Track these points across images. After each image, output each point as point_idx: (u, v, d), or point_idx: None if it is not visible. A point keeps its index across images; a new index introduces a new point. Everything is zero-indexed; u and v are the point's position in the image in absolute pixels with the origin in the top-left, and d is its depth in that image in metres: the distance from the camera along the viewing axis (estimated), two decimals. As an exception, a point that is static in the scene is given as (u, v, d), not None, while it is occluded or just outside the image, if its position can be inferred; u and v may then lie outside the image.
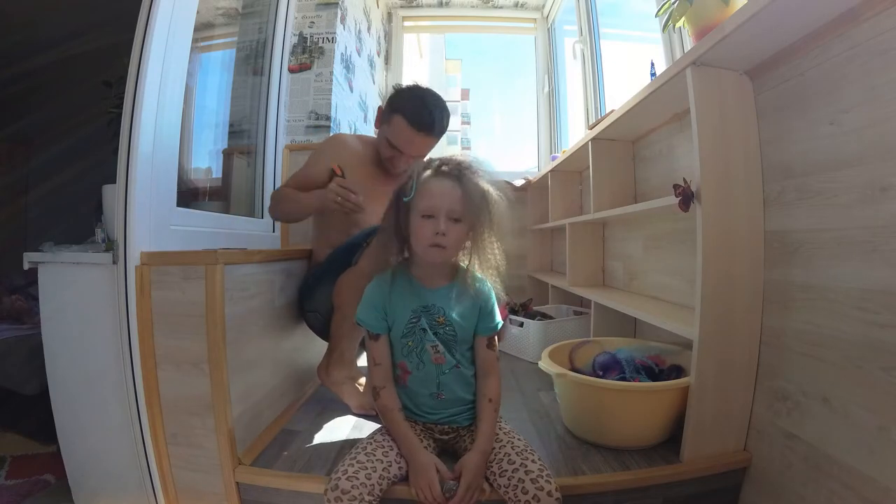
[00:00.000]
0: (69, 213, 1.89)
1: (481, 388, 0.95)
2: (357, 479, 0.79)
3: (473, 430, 0.94)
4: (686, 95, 0.98)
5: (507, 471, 0.83)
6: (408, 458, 0.88)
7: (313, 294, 1.33)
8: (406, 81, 1.56)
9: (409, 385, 0.96)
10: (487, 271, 0.93)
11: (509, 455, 0.86)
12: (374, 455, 0.86)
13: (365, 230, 1.23)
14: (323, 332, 1.37)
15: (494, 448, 0.89)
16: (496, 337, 0.98)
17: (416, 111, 1.28)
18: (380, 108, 1.40)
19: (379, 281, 0.95)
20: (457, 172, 0.89)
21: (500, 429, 0.94)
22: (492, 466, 0.86)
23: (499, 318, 0.97)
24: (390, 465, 0.86)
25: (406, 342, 0.94)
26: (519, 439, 0.91)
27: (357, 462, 0.83)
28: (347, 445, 1.10)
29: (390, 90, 1.38)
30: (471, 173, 0.89)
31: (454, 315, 0.93)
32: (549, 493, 0.77)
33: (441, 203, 0.87)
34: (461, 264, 0.95)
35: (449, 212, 0.87)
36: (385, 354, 0.95)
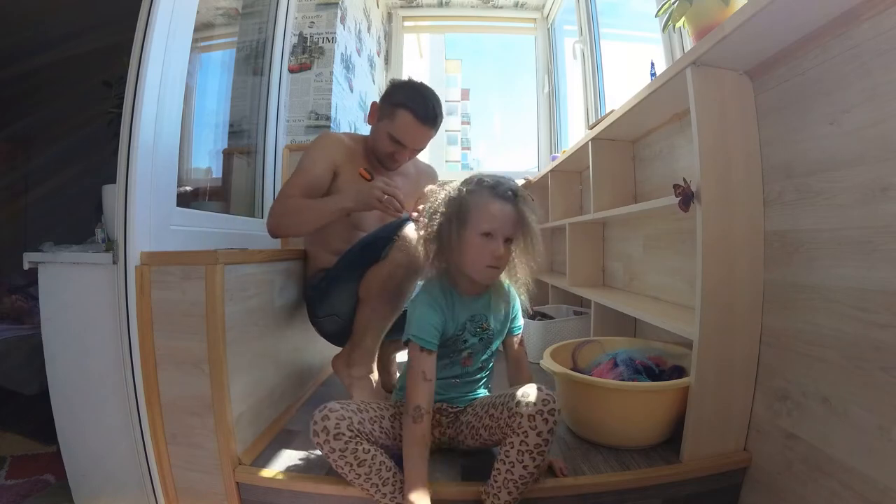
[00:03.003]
0: (69, 213, 1.89)
1: (521, 378, 1.04)
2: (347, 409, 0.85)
3: (469, 410, 0.99)
4: (686, 95, 0.98)
5: (495, 404, 0.89)
6: (408, 483, 0.83)
7: (329, 297, 1.30)
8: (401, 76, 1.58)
9: None
10: (518, 285, 1.00)
11: (493, 399, 0.92)
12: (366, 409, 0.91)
13: (392, 224, 1.21)
14: (340, 335, 1.34)
15: (479, 413, 0.94)
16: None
17: (422, 105, 1.30)
18: (374, 103, 1.38)
19: (431, 299, 0.95)
20: (514, 196, 0.93)
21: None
22: (483, 419, 0.91)
23: (521, 320, 1.09)
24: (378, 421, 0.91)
25: (445, 350, 0.98)
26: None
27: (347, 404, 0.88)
28: (347, 445, 1.10)
29: (387, 85, 1.39)
30: (524, 195, 0.95)
31: (493, 321, 1.01)
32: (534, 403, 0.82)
33: (502, 225, 0.91)
34: None
35: (507, 234, 0.92)
36: (434, 370, 0.91)
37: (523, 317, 1.10)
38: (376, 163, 1.40)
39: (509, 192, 0.93)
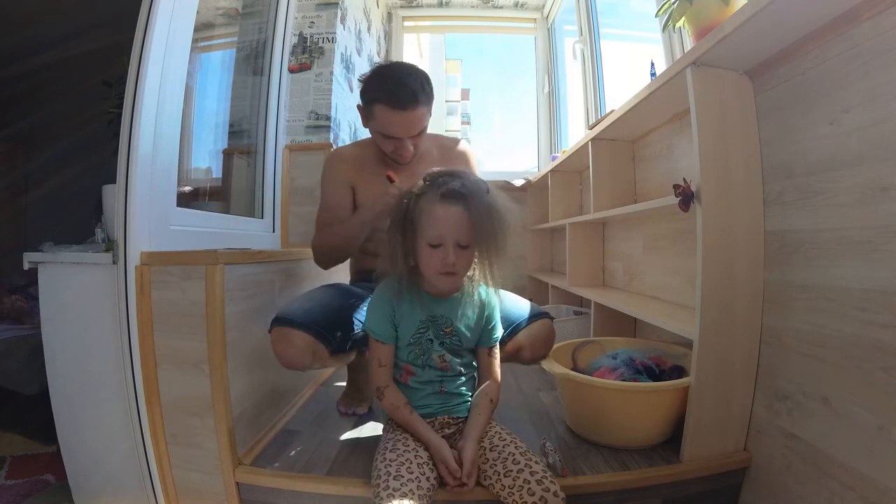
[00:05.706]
0: (69, 213, 1.88)
1: (483, 389, 0.97)
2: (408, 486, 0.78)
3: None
4: (686, 95, 0.98)
5: (511, 471, 0.83)
6: (426, 444, 0.89)
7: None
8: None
9: (411, 384, 0.96)
10: (492, 285, 0.95)
11: (513, 455, 0.86)
12: (412, 463, 0.83)
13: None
14: None
15: (498, 447, 0.89)
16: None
17: (392, 91, 1.17)
18: (358, 106, 1.29)
19: (386, 290, 0.95)
20: (465, 193, 0.85)
21: (502, 428, 0.95)
22: (496, 466, 0.86)
23: (499, 331, 1.00)
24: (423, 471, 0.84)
25: (413, 349, 0.95)
26: (521, 443, 0.91)
27: (399, 473, 0.80)
28: (347, 445, 1.10)
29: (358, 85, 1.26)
30: (477, 192, 0.86)
31: (461, 326, 0.95)
32: (556, 494, 0.78)
33: (449, 233, 0.85)
34: (467, 276, 0.94)
35: (457, 240, 0.86)
36: (390, 357, 0.95)
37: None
38: (392, 161, 1.31)
39: (458, 193, 0.85)
